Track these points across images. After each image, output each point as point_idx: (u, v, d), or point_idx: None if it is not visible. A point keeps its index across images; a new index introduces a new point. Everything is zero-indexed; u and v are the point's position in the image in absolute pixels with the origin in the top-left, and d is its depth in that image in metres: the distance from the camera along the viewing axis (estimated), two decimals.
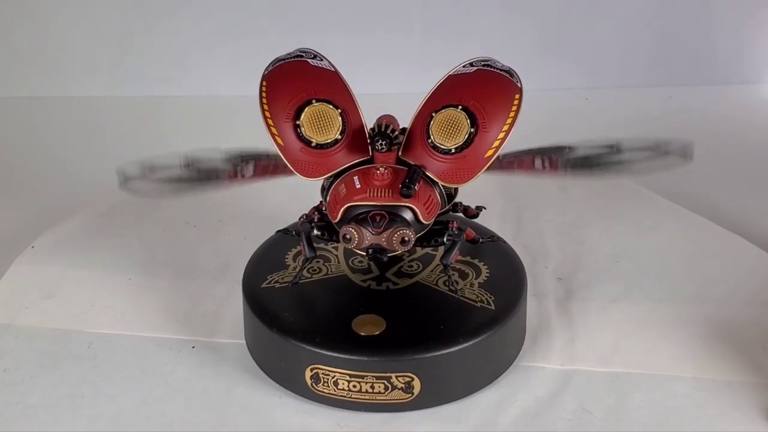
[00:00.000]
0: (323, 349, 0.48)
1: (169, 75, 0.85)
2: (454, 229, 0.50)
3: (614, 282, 0.58)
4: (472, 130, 0.48)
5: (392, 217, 0.47)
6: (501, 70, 0.50)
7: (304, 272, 0.53)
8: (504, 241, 0.56)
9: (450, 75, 0.50)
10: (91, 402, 0.49)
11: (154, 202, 0.66)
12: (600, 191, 0.68)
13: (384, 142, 0.49)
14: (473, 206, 0.56)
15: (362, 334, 0.49)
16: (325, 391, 0.49)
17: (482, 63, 0.50)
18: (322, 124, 0.49)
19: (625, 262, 0.61)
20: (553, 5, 0.85)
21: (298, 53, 0.51)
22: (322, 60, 0.51)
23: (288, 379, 0.50)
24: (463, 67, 0.50)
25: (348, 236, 0.47)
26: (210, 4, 0.84)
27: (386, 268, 0.54)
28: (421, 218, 0.48)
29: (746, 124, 0.81)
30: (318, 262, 0.54)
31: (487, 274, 0.53)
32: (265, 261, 0.55)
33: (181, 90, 0.85)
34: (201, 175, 0.52)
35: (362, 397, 0.49)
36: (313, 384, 0.49)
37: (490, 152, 0.48)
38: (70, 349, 0.53)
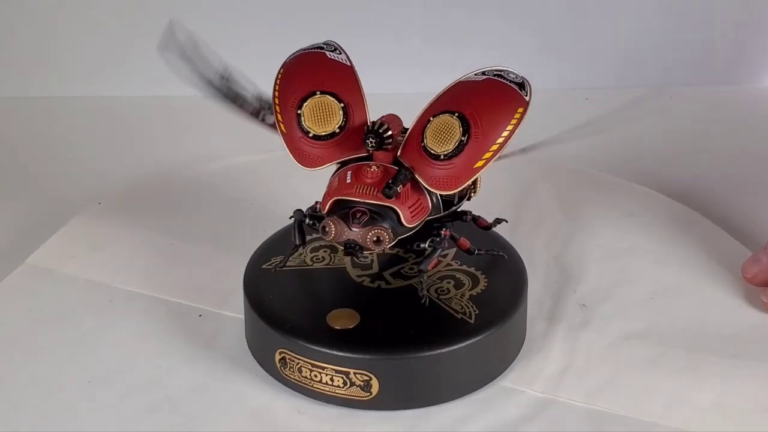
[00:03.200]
0: (290, 335, 0.49)
1: (170, 75, 0.85)
2: (437, 236, 0.50)
3: (638, 319, 0.56)
4: (464, 138, 0.47)
5: (373, 215, 0.48)
6: (511, 81, 0.49)
7: (306, 259, 0.53)
8: (505, 257, 0.55)
9: (459, 81, 0.49)
10: (90, 350, 0.54)
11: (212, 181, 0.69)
12: (671, 221, 0.65)
13: (373, 140, 0.49)
14: (486, 218, 0.55)
15: (336, 327, 0.50)
16: (291, 376, 0.50)
17: (494, 72, 0.49)
18: (322, 116, 0.50)
19: (661, 300, 0.58)
20: (553, 5, 0.84)
21: (321, 45, 0.52)
22: (341, 54, 0.52)
23: (263, 358, 0.52)
24: (474, 74, 0.49)
25: (326, 228, 0.48)
26: (210, 5, 0.84)
27: (386, 267, 0.54)
28: (403, 220, 0.48)
29: (746, 124, 0.81)
30: (325, 251, 0.55)
31: (484, 288, 0.53)
32: (280, 242, 0.56)
33: (181, 90, 0.84)
34: (229, 92, 0.53)
35: (322, 388, 0.50)
36: (281, 367, 0.50)
37: (479, 163, 0.48)
38: (95, 300, 0.58)
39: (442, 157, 0.48)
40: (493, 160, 0.48)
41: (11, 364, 0.53)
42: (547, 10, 0.85)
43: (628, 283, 0.59)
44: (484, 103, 0.48)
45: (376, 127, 0.49)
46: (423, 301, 0.51)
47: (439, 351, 0.49)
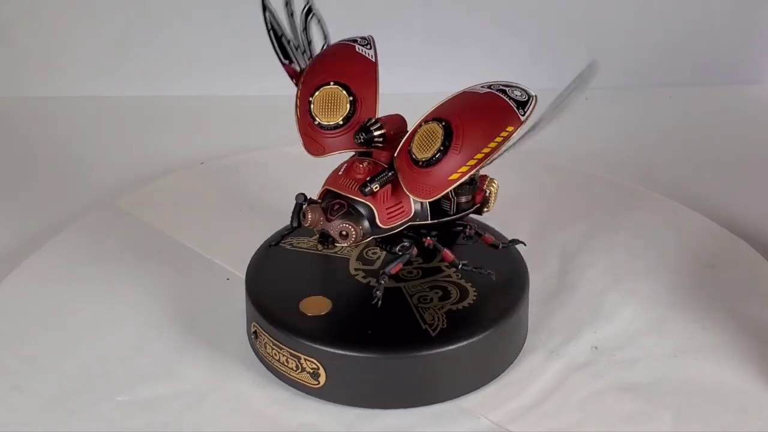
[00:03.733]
0: (261, 311, 0.51)
1: (171, 75, 0.85)
2: (407, 243, 0.50)
3: (644, 375, 0.52)
4: (442, 148, 0.47)
5: (351, 210, 0.48)
6: (513, 98, 0.48)
7: (319, 245, 0.53)
8: (521, 244, 0.55)
9: (464, 90, 0.49)
10: (128, 288, 0.59)
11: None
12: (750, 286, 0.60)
13: (362, 136, 0.49)
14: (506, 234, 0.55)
15: (307, 313, 0.51)
16: (260, 350, 0.52)
17: (500, 87, 0.49)
18: (329, 106, 0.51)
19: (683, 362, 0.54)
20: (554, 5, 0.84)
21: (356, 38, 0.52)
22: (370, 49, 0.52)
23: (248, 330, 0.54)
24: (481, 86, 0.49)
25: (306, 215, 0.49)
26: (211, 5, 0.84)
27: (386, 266, 0.54)
28: (377, 220, 0.48)
29: (746, 125, 0.81)
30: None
31: (469, 304, 0.52)
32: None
33: (182, 90, 0.85)
34: (275, 38, 0.53)
35: (280, 367, 0.51)
36: (254, 340, 0.52)
37: (454, 176, 0.47)
38: (162, 248, 0.63)
39: (421, 163, 0.48)
40: (470, 174, 0.47)
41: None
42: (547, 10, 0.85)
43: (657, 335, 0.56)
44: (474, 116, 0.48)
45: (368, 124, 0.49)
46: (374, 302, 0.50)
47: (385, 356, 0.49)
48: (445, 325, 0.50)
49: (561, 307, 0.57)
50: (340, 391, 0.50)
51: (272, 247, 0.54)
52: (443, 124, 0.47)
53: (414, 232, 0.51)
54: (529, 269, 0.55)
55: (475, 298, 0.52)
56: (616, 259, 0.61)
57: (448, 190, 0.48)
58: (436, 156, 0.47)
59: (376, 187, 0.48)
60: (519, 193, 0.67)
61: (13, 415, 0.50)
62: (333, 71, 0.51)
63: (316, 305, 0.52)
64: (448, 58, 0.84)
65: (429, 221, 0.50)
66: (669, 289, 0.59)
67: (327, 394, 0.50)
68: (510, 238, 0.56)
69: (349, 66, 0.51)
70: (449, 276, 0.54)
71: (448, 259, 0.52)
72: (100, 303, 0.58)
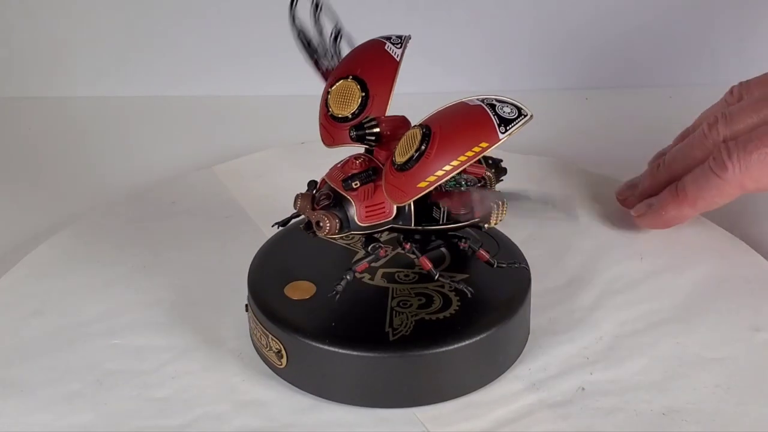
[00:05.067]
0: (250, 287, 0.53)
1: (171, 75, 0.85)
2: (377, 244, 0.51)
3: (616, 427, 0.50)
4: (416, 154, 0.47)
5: (334, 202, 0.49)
6: (498, 114, 0.47)
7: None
8: (527, 268, 0.54)
9: (460, 100, 0.49)
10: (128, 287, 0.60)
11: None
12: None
13: (354, 132, 0.50)
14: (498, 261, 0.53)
15: (292, 297, 0.52)
16: (250, 323, 0.53)
17: (490, 101, 0.48)
18: (341, 99, 0.51)
19: (670, 423, 0.50)
20: (554, 5, 0.84)
21: (390, 36, 0.53)
22: (399, 48, 0.52)
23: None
24: (476, 98, 0.49)
25: (296, 201, 0.50)
26: (211, 5, 0.84)
27: (388, 266, 0.54)
28: (355, 217, 0.49)
29: None
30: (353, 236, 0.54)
31: (443, 317, 0.51)
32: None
33: (182, 90, 0.85)
34: (306, 43, 0.54)
35: (258, 342, 0.53)
36: (246, 311, 0.54)
37: (422, 184, 0.47)
38: (164, 247, 0.63)
39: (397, 166, 0.48)
40: (437, 184, 0.47)
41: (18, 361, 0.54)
42: (548, 10, 0.85)
43: (656, 388, 0.52)
44: (453, 126, 0.48)
45: (364, 121, 0.50)
46: (332, 294, 0.51)
47: (332, 349, 0.50)
48: (408, 333, 0.50)
49: (568, 341, 0.55)
50: (298, 376, 0.52)
51: (276, 226, 0.54)
52: (424, 130, 0.47)
53: (421, 236, 0.51)
54: (532, 288, 0.54)
55: (454, 311, 0.52)
56: (627, 275, 0.60)
57: (418, 197, 0.48)
58: (410, 161, 0.47)
59: (356, 184, 0.49)
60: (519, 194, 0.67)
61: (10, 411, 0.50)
62: (354, 66, 0.52)
63: (300, 290, 0.53)
64: (448, 59, 0.84)
65: (412, 227, 0.50)
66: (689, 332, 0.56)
67: (289, 376, 0.52)
68: (512, 260, 0.54)
69: (370, 62, 0.52)
70: (441, 286, 0.53)
71: (425, 267, 0.51)
72: (100, 300, 0.58)
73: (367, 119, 0.50)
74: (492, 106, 0.48)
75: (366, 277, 0.54)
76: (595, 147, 0.76)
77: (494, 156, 0.52)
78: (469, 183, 0.50)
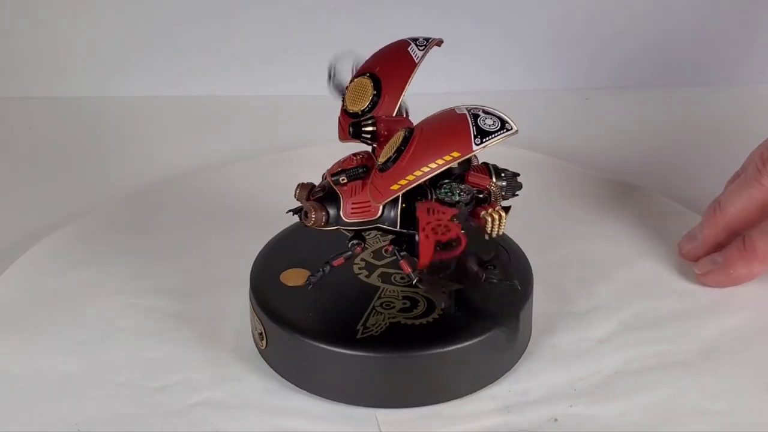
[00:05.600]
0: (252, 272, 0.55)
1: (171, 75, 0.85)
2: (356, 241, 0.51)
3: None
4: (394, 155, 0.48)
5: (327, 195, 0.50)
6: (478, 125, 0.47)
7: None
8: (518, 286, 0.52)
9: (451, 107, 0.49)
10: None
11: None
12: None
13: (352, 128, 0.51)
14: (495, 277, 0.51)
15: (286, 283, 0.53)
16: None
17: (475, 111, 0.48)
18: (355, 95, 0.52)
19: None
20: (554, 5, 0.84)
21: (417, 37, 0.53)
22: (421, 50, 0.52)
23: None
24: (465, 106, 0.49)
25: (296, 188, 0.51)
26: (211, 5, 0.84)
27: (390, 266, 0.54)
28: (341, 212, 0.49)
29: (746, 125, 0.81)
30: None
31: (419, 323, 0.51)
32: None
33: (183, 90, 0.85)
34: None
35: (250, 323, 0.55)
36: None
37: (395, 186, 0.47)
38: (165, 247, 0.64)
39: (378, 166, 0.48)
40: (408, 188, 0.47)
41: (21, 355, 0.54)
42: (548, 10, 0.85)
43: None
44: (431, 132, 0.48)
45: (361, 118, 0.51)
46: (305, 282, 0.52)
47: (299, 339, 0.50)
48: (378, 334, 0.50)
49: (563, 369, 0.53)
50: (276, 360, 0.53)
51: (291, 213, 0.54)
52: (406, 133, 0.48)
53: (408, 239, 0.51)
54: (548, 309, 0.54)
55: (433, 319, 0.51)
56: (654, 312, 0.58)
57: (390, 199, 0.48)
58: (388, 162, 0.48)
59: (344, 179, 0.49)
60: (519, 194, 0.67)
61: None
62: (374, 64, 0.53)
63: (295, 277, 0.54)
64: (449, 59, 0.84)
65: (397, 228, 0.50)
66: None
67: (268, 358, 0.53)
68: (506, 277, 0.52)
69: (389, 62, 0.52)
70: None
71: (405, 270, 0.51)
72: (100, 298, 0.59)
73: (366, 117, 0.51)
74: (475, 117, 0.47)
75: (363, 273, 0.54)
76: (595, 147, 0.76)
77: (510, 168, 0.52)
78: (462, 194, 0.49)
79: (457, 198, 0.49)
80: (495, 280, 0.50)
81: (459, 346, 0.50)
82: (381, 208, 0.50)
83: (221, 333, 0.56)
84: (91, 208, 0.67)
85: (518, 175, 0.52)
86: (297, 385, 0.52)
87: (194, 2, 0.83)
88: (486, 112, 0.48)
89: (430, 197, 0.49)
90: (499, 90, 0.83)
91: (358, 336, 0.50)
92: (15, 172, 0.75)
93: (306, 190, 0.51)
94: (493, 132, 0.47)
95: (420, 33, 0.84)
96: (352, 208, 0.50)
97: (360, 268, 0.54)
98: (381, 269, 0.54)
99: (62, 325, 0.57)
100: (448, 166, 0.47)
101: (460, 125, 0.47)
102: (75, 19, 0.84)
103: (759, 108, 0.83)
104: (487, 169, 0.51)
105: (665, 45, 0.86)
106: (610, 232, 0.65)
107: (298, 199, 0.51)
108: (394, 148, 0.48)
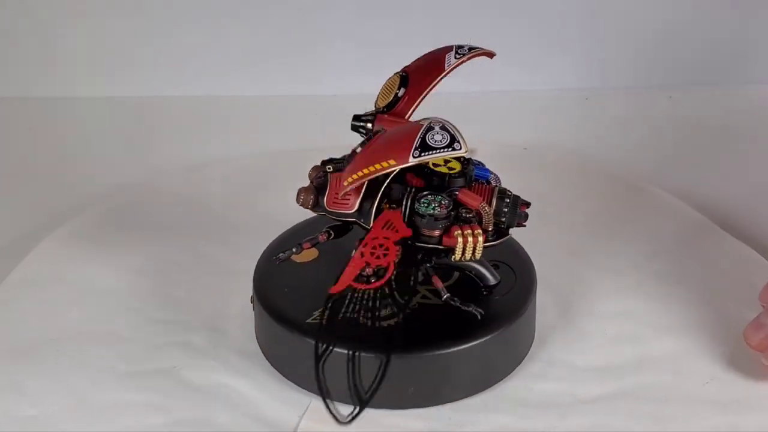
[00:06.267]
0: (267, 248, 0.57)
1: (171, 75, 0.85)
2: (324, 230, 0.52)
3: None
4: (357, 150, 0.49)
5: (325, 181, 0.51)
6: (424, 138, 0.47)
7: None
8: (478, 315, 0.50)
9: (425, 118, 0.49)
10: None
11: None
12: None
13: (353, 122, 0.52)
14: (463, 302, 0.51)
15: (295, 260, 0.54)
16: None
17: (432, 124, 0.48)
18: (384, 91, 0.53)
19: None
20: (554, 5, 0.84)
21: (462, 45, 0.53)
22: (457, 58, 0.52)
23: None
24: (436, 119, 0.48)
25: (312, 169, 0.52)
26: (212, 5, 0.84)
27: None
28: (324, 201, 0.51)
29: (746, 125, 0.81)
30: None
31: (387, 325, 0.50)
32: None
33: (183, 90, 0.85)
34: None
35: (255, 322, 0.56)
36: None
37: (346, 182, 0.49)
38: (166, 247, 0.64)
39: (346, 160, 0.50)
40: (349, 188, 0.48)
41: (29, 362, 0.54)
42: (548, 10, 0.85)
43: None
44: (386, 136, 0.49)
45: (362, 113, 0.52)
46: (273, 258, 0.53)
47: (266, 317, 0.52)
48: (324, 322, 0.48)
49: (562, 378, 0.52)
50: (257, 328, 0.54)
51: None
52: (372, 134, 0.49)
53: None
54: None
55: (393, 322, 0.50)
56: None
57: (342, 193, 0.49)
58: (351, 157, 0.49)
59: (329, 168, 0.51)
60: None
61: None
62: (411, 65, 0.53)
63: (305, 255, 0.54)
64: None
65: (369, 227, 0.50)
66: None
67: (255, 326, 0.54)
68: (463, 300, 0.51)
69: (422, 64, 0.53)
70: (410, 298, 0.52)
71: (436, 285, 0.50)
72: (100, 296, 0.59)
73: (368, 113, 0.52)
74: (428, 130, 0.47)
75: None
76: (595, 147, 0.76)
77: (522, 197, 0.51)
78: (438, 208, 0.49)
79: (430, 211, 0.49)
80: (456, 303, 0.50)
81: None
82: (357, 203, 0.50)
83: (221, 333, 0.56)
84: (90, 208, 0.67)
85: (528, 204, 0.51)
86: (265, 357, 0.53)
87: (194, 2, 0.83)
88: (444, 129, 0.47)
89: (404, 203, 0.49)
90: (500, 90, 0.83)
91: (308, 320, 0.51)
92: (15, 172, 0.75)
93: (316, 171, 0.52)
94: (437, 148, 0.47)
95: (419, 33, 0.84)
96: (334, 199, 0.50)
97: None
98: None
99: (59, 326, 0.56)
100: (384, 172, 0.47)
101: (408, 136, 0.47)
102: (75, 19, 0.84)
103: (759, 108, 0.83)
104: (492, 190, 0.50)
105: (665, 45, 0.86)
106: (611, 231, 0.65)
107: (308, 177, 0.52)
108: (359, 147, 0.49)
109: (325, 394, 0.45)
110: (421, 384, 0.51)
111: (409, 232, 0.49)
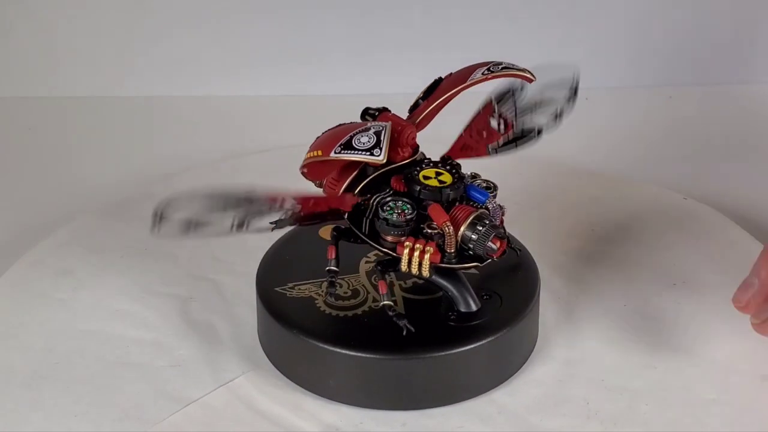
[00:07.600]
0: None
1: (171, 75, 0.85)
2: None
3: None
4: None
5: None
6: (353, 137, 0.49)
7: None
8: (406, 330, 0.50)
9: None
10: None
11: None
12: None
13: (362, 114, 0.53)
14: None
15: (322, 236, 0.56)
16: None
17: (370, 128, 0.50)
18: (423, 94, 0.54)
19: None
20: (554, 5, 0.84)
21: (500, 62, 0.55)
22: (484, 75, 0.53)
23: None
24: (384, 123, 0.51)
25: None
26: (212, 5, 0.84)
27: (387, 265, 0.53)
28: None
29: (746, 125, 0.81)
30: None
31: (357, 313, 0.51)
32: None
33: (182, 90, 0.85)
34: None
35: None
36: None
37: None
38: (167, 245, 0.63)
39: None
40: (301, 172, 0.51)
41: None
42: (547, 10, 0.85)
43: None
44: (332, 130, 0.51)
45: (370, 109, 0.53)
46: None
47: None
48: (292, 299, 0.52)
49: (562, 382, 0.53)
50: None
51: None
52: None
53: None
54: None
55: (365, 310, 0.51)
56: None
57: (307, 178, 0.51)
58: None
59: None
60: (519, 194, 0.68)
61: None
62: (450, 74, 0.54)
63: (326, 232, 0.55)
64: (448, 59, 0.84)
65: (344, 218, 0.51)
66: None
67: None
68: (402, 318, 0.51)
69: (456, 74, 0.54)
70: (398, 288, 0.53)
71: (381, 289, 0.50)
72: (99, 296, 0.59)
73: (377, 108, 0.53)
74: (362, 131, 0.49)
75: (366, 260, 0.55)
76: (596, 147, 0.76)
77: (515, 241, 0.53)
78: (395, 215, 0.49)
79: (386, 216, 0.49)
80: (390, 313, 0.50)
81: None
82: (341, 191, 0.51)
83: (221, 333, 0.56)
84: (90, 207, 0.67)
85: (505, 240, 0.49)
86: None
87: (195, 2, 0.83)
88: (376, 133, 0.49)
89: (371, 202, 0.50)
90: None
91: (287, 295, 0.52)
92: (14, 171, 0.75)
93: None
94: (357, 150, 0.49)
95: (418, 33, 0.84)
96: (329, 186, 0.52)
97: (369, 264, 0.55)
98: (380, 266, 0.54)
99: (59, 324, 0.56)
100: (317, 160, 0.49)
101: (343, 133, 0.50)
102: (75, 19, 0.84)
103: (759, 108, 0.83)
104: (469, 213, 0.49)
105: (665, 45, 0.86)
106: (612, 232, 0.65)
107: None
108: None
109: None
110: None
111: (346, 208, 0.50)
